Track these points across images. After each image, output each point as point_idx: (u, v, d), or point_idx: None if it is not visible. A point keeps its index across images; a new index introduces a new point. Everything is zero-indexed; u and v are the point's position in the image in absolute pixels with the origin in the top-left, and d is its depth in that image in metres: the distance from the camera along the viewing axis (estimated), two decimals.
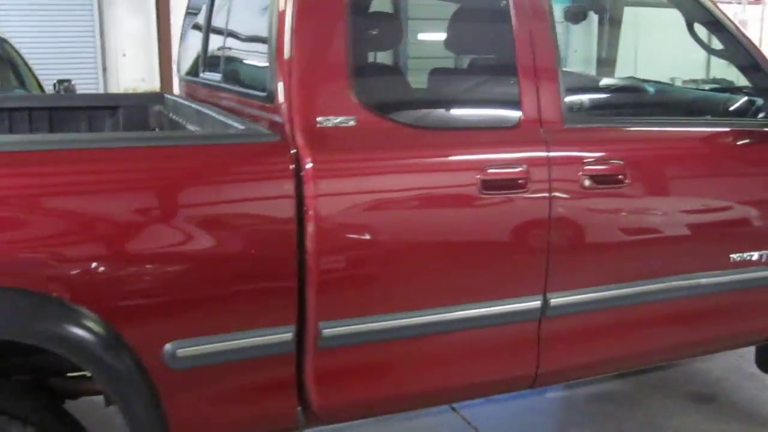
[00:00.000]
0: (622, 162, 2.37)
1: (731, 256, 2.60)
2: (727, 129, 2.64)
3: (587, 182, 2.31)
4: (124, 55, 8.59)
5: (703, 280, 2.57)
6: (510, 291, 2.29)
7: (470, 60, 2.69)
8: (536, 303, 2.31)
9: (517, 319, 2.31)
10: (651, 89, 3.09)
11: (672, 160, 2.52)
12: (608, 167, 2.36)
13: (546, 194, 2.25)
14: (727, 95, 2.92)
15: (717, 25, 2.69)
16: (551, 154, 2.27)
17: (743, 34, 2.70)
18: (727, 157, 2.62)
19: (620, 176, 2.37)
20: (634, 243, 2.44)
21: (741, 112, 2.78)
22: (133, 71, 8.60)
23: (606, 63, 4.34)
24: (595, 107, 2.87)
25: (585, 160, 2.33)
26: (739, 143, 2.62)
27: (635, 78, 3.39)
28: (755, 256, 2.65)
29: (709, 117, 2.84)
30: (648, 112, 2.89)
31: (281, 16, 2.03)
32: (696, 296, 2.58)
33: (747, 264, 2.63)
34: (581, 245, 2.36)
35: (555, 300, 2.33)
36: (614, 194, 2.38)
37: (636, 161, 2.42)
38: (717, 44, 2.85)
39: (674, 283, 2.50)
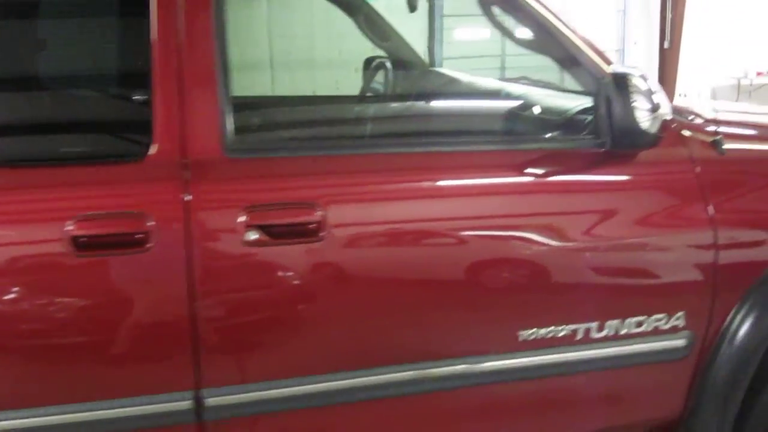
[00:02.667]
0: (317, 206, 1.68)
1: (520, 333, 1.84)
2: (518, 152, 1.87)
3: (253, 236, 1.64)
4: None
5: (459, 368, 1.82)
6: (144, 387, 1.65)
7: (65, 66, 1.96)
8: (185, 403, 1.67)
9: (160, 424, 1.67)
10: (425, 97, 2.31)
11: (411, 200, 1.79)
12: (293, 213, 1.67)
13: (182, 254, 1.60)
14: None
15: (515, 6, 1.92)
16: (192, 197, 1.61)
17: (560, 20, 1.92)
18: (503, 193, 1.86)
19: (312, 226, 1.67)
20: (336, 318, 1.73)
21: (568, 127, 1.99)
22: None
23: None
24: (287, 127, 2.11)
25: (252, 205, 1.65)
26: (530, 173, 1.85)
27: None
28: (563, 331, 1.87)
29: (491, 136, 2.05)
30: (397, 131, 2.11)
31: None
32: (449, 391, 1.84)
33: (546, 343, 1.86)
34: (249, 323, 1.69)
35: (213, 399, 1.68)
36: (302, 253, 1.68)
37: (345, 204, 1.72)
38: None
39: (405, 374, 1.77)
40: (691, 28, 8.59)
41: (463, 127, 2.05)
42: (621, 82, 1.73)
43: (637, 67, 1.85)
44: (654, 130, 1.77)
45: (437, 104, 2.32)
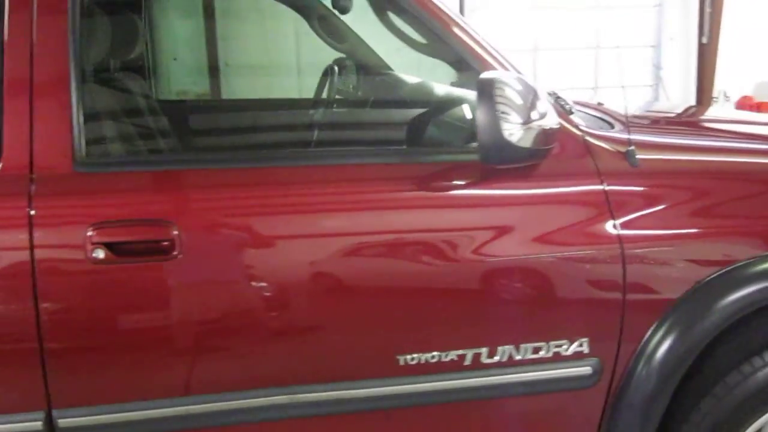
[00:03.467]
0: (170, 223, 1.60)
1: (398, 357, 1.72)
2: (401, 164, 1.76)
3: (100, 254, 1.57)
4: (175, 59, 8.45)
5: (333, 393, 1.71)
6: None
7: None
8: (36, 423, 1.61)
9: None
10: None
11: (272, 216, 1.69)
12: (143, 231, 1.60)
13: (27, 270, 1.54)
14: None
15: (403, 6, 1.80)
16: (35, 212, 1.55)
17: (455, 21, 1.80)
18: (372, 207, 1.74)
19: (164, 243, 1.59)
20: (190, 340, 1.64)
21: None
22: None
23: None
24: (142, 139, 2.00)
25: (100, 222, 1.58)
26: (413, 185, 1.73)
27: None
28: (449, 356, 1.74)
29: (375, 147, 1.93)
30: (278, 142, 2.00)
31: None
32: (324, 417, 1.73)
33: (431, 369, 1.74)
34: (97, 344, 1.62)
35: (64, 421, 1.62)
36: (153, 272, 1.60)
37: (200, 220, 1.63)
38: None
39: (271, 398, 1.68)
40: (731, 22, 8.22)
41: (343, 138, 1.94)
42: (485, 89, 1.58)
43: (520, 72, 1.71)
44: (527, 143, 1.61)
45: (313, 115, 2.20)
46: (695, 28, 8.30)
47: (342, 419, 1.74)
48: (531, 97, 1.61)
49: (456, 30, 1.77)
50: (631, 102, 2.90)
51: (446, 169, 1.76)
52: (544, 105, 1.65)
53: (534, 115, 1.60)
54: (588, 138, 1.84)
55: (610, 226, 1.77)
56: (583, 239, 1.77)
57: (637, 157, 1.83)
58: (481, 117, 1.57)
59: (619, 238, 1.76)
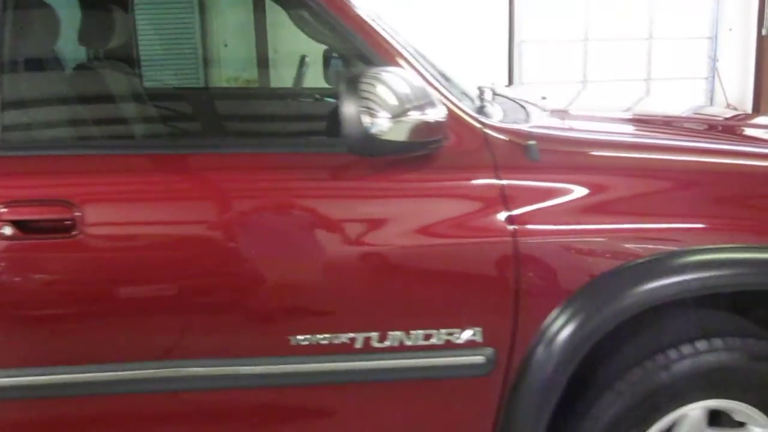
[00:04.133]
0: (72, 204, 1.73)
1: (290, 338, 1.81)
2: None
3: (8, 231, 1.72)
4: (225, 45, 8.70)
5: (243, 369, 1.82)
6: None
7: None
8: None
9: None
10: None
11: (165, 202, 1.80)
12: (47, 210, 1.74)
13: None
14: None
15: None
16: None
17: (355, 15, 1.85)
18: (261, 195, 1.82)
19: (67, 223, 1.73)
20: (86, 315, 1.78)
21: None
22: None
23: None
24: (57, 126, 2.11)
25: (10, 201, 1.73)
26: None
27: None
28: (340, 339, 1.82)
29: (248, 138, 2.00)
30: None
31: None
32: (217, 391, 1.84)
33: (323, 350, 1.82)
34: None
35: None
36: (55, 249, 1.74)
37: (100, 203, 1.76)
38: None
39: (158, 371, 1.79)
40: None
41: (232, 128, 2.03)
42: (349, 84, 1.64)
43: (416, 68, 1.77)
44: (399, 137, 1.66)
45: (212, 105, 2.29)
46: (755, 19, 8.00)
47: (236, 394, 1.84)
48: (410, 91, 1.66)
49: (355, 25, 1.82)
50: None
51: (334, 160, 1.83)
52: (427, 99, 1.69)
53: (408, 108, 1.64)
54: (488, 131, 1.87)
55: (503, 219, 1.80)
56: (474, 231, 1.81)
57: (538, 151, 1.85)
58: (345, 111, 1.63)
59: (513, 232, 1.80)
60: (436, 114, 1.71)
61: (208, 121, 2.16)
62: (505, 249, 1.79)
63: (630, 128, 2.42)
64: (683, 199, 1.89)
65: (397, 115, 1.63)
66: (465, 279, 1.82)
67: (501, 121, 1.96)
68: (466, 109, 1.88)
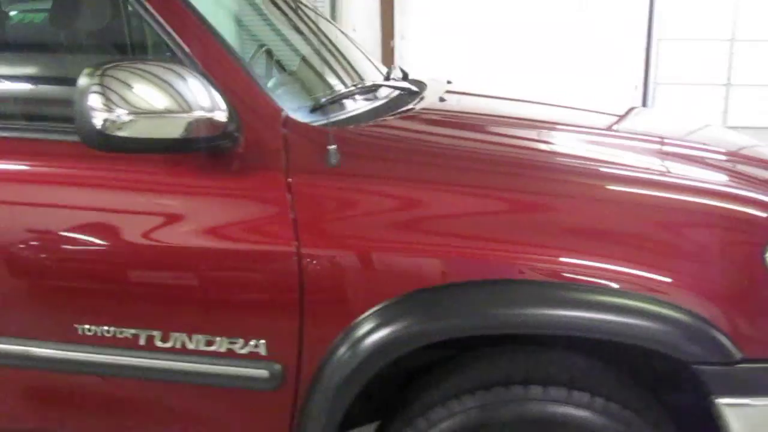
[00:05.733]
0: None
1: (77, 326, 1.80)
2: None
3: None
4: (354, 30, 8.81)
5: (34, 351, 1.84)
6: None
7: None
8: None
9: None
10: None
11: None
12: None
13: None
14: None
15: None
16: None
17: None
18: None
19: None
20: None
21: None
22: None
23: None
24: None
25: None
26: None
27: None
28: (125, 333, 1.78)
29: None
30: None
31: None
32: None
33: (108, 342, 1.79)
34: None
35: None
36: None
37: None
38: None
39: None
40: None
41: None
42: (81, 80, 1.54)
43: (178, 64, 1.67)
44: (141, 134, 1.58)
45: None
46: None
47: (31, 374, 1.86)
48: (169, 89, 1.58)
49: (162, 14, 1.76)
50: None
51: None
52: (194, 98, 1.61)
53: (154, 107, 1.57)
54: (289, 131, 1.74)
55: (288, 229, 1.68)
56: (253, 239, 1.70)
57: (339, 157, 1.70)
58: (77, 102, 1.57)
59: (298, 243, 1.67)
60: (217, 115, 1.63)
61: None
62: (288, 261, 1.67)
63: (495, 137, 2.15)
64: (492, 223, 1.67)
65: (141, 112, 1.56)
66: (246, 287, 1.72)
67: (317, 122, 1.82)
68: (273, 108, 1.75)
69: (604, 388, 1.70)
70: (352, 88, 2.18)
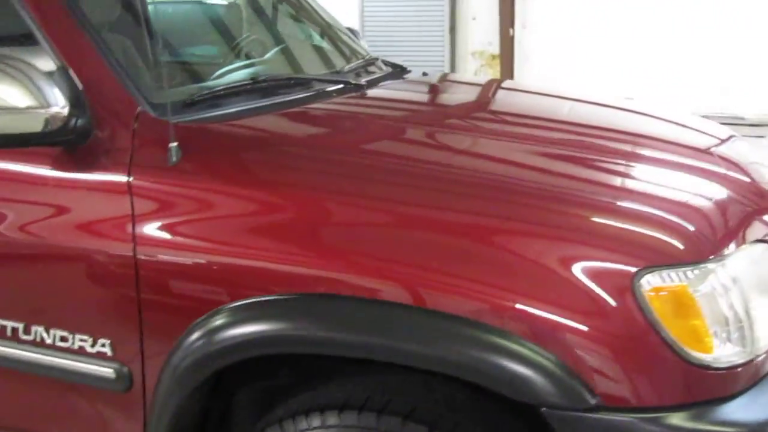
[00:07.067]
0: None
1: None
2: None
3: None
4: (474, 18, 8.61)
5: None
6: None
7: None
8: None
9: None
10: None
11: None
12: None
13: None
14: None
15: None
16: None
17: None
18: None
19: None
20: None
21: None
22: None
23: None
24: None
25: None
26: None
27: None
28: None
29: None
30: None
31: None
32: None
33: None
34: None
35: None
36: None
37: None
38: None
39: None
40: None
41: None
42: None
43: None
44: None
45: None
46: None
47: None
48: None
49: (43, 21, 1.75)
50: None
51: None
52: (32, 93, 1.59)
53: None
54: (140, 129, 1.68)
55: (125, 228, 1.63)
56: (93, 234, 1.66)
57: (180, 155, 1.62)
58: None
59: (134, 244, 1.62)
60: (35, 110, 1.60)
61: None
62: (125, 263, 1.62)
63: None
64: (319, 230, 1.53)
65: None
66: (85, 285, 1.69)
67: (185, 118, 1.75)
68: (127, 103, 1.71)
69: (448, 423, 1.50)
70: (249, 82, 2.07)
